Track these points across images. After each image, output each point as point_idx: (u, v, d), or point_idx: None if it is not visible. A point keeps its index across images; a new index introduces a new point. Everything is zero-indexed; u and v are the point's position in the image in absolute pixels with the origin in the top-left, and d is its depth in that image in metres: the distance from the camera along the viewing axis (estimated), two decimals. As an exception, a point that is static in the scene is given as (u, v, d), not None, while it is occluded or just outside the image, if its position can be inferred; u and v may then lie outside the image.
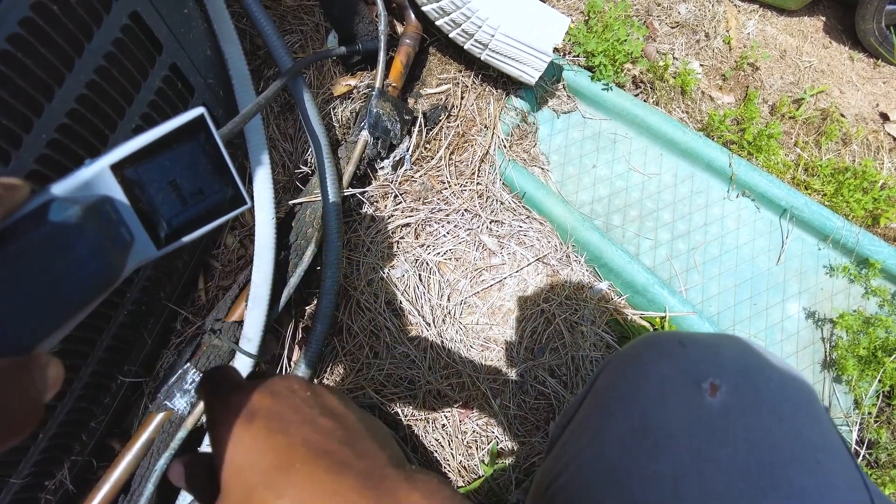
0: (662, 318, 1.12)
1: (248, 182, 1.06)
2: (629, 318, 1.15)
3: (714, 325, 1.12)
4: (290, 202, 1.06)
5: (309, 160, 1.15)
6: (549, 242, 1.16)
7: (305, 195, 1.06)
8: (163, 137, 0.42)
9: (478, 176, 1.17)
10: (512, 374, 1.11)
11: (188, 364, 0.92)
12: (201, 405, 0.93)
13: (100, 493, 0.88)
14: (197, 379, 0.92)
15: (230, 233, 1.14)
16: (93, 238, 0.36)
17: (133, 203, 0.41)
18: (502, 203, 1.17)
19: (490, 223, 1.16)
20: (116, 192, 0.40)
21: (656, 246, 1.21)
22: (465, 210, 1.16)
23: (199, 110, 0.43)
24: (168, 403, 0.90)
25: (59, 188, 0.36)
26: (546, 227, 1.16)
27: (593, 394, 0.60)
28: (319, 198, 1.04)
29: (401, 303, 1.12)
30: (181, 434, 0.91)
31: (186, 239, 0.46)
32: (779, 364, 0.54)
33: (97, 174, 0.38)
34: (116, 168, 0.39)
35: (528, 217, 1.17)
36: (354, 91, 1.18)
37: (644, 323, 1.15)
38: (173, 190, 0.44)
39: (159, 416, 0.91)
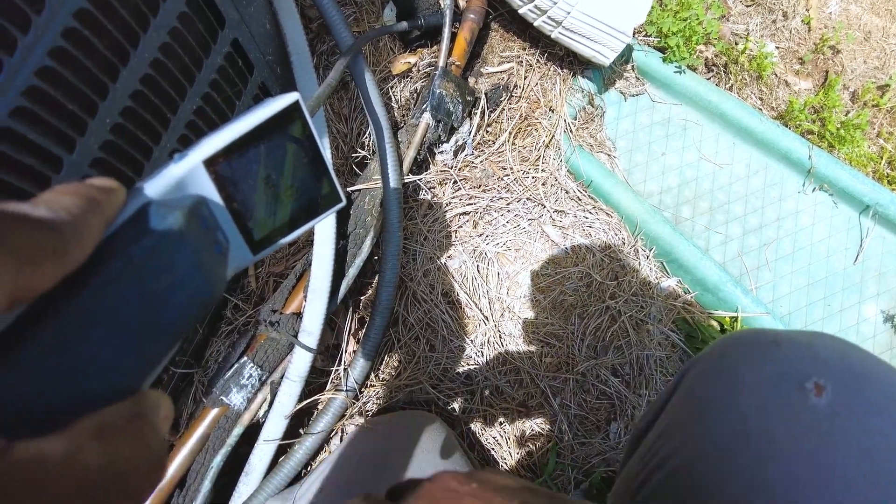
0: (734, 318, 1.07)
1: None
2: (697, 316, 1.09)
3: (786, 326, 1.06)
4: (349, 189, 1.00)
5: (365, 143, 1.09)
6: (616, 235, 1.10)
7: (364, 181, 1.01)
8: (257, 128, 0.36)
9: (542, 162, 1.11)
10: (573, 372, 1.06)
11: (245, 358, 0.88)
12: (258, 400, 0.90)
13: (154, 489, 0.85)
14: (255, 373, 0.88)
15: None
16: (193, 248, 0.31)
17: (227, 203, 0.36)
18: (567, 192, 1.11)
19: (554, 213, 1.10)
20: (210, 192, 0.35)
21: (727, 241, 1.15)
22: (528, 199, 1.10)
23: (294, 96, 0.37)
24: (224, 399, 0.87)
25: (152, 188, 0.31)
26: (613, 219, 1.10)
27: (681, 395, 0.56)
28: (379, 184, 0.99)
29: (458, 295, 1.07)
30: (237, 430, 0.88)
31: (283, 241, 0.40)
32: (880, 362, 0.49)
33: (190, 171, 0.33)
34: (209, 164, 0.34)
35: (594, 208, 1.11)
36: (414, 69, 1.11)
37: (713, 322, 1.09)
38: (267, 187, 0.38)
39: (214, 412, 0.87)
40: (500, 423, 1.05)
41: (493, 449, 1.05)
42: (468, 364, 1.06)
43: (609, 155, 1.17)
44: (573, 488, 1.05)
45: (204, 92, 0.75)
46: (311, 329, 0.88)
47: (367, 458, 0.87)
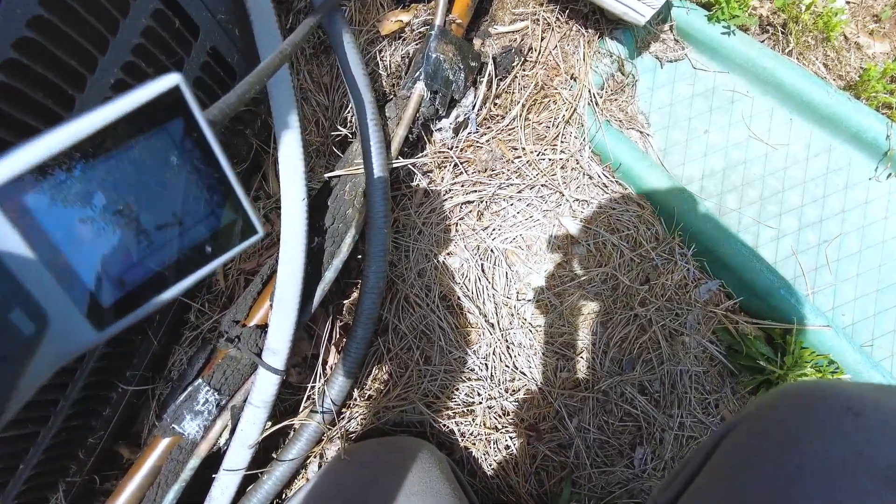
0: (786, 330, 0.89)
1: (273, 145, 0.84)
2: (742, 327, 0.92)
3: (848, 340, 0.89)
4: (326, 175, 0.84)
5: (348, 119, 0.92)
6: (648, 230, 0.92)
7: (344, 166, 0.84)
8: (101, 131, 0.23)
9: (561, 141, 0.93)
10: (593, 390, 0.90)
11: (200, 380, 0.74)
12: (216, 428, 0.76)
13: (97, 530, 0.73)
14: (211, 398, 0.74)
15: (255, 203, 0.94)
16: None
17: (43, 255, 0.23)
18: (590, 177, 0.93)
19: (574, 203, 0.92)
20: (7, 240, 0.22)
21: (779, 236, 0.96)
22: (543, 185, 0.92)
23: (173, 79, 0.25)
24: (176, 427, 0.73)
25: None
26: (646, 210, 0.92)
27: (719, 467, 0.46)
28: (361, 170, 0.82)
29: (458, 298, 0.91)
30: (193, 463, 0.75)
31: (154, 302, 0.28)
32: None
33: None
34: (2, 196, 0.22)
35: (622, 196, 0.93)
36: (407, 29, 0.94)
37: (760, 334, 0.92)
38: (124, 222, 0.25)
39: (165, 442, 0.74)
40: (507, 448, 0.90)
41: (497, 477, 0.90)
42: (469, 379, 0.90)
43: (641, 132, 0.98)
44: (590, 522, 0.90)
45: (124, 61, 0.58)
46: (277, 347, 0.73)
47: (346, 494, 0.73)
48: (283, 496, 0.86)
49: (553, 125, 0.93)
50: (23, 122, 0.49)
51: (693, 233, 0.91)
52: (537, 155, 0.93)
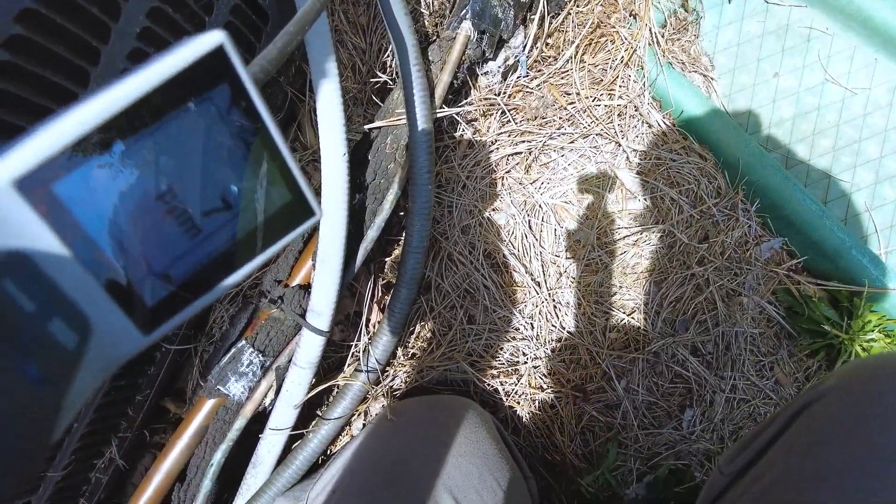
0: (854, 293, 0.84)
1: (309, 93, 0.79)
2: (805, 288, 0.87)
3: (921, 302, 0.83)
4: (366, 127, 0.79)
5: (387, 63, 0.85)
6: (710, 184, 0.86)
7: (385, 116, 0.79)
8: (136, 104, 0.19)
9: (619, 86, 0.86)
10: (643, 351, 0.87)
11: (243, 341, 0.72)
12: (261, 389, 0.75)
13: (152, 484, 0.74)
14: (255, 360, 0.72)
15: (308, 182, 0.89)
16: None
17: (80, 252, 0.20)
18: (650, 126, 0.86)
19: (631, 154, 0.86)
20: (40, 238, 0.19)
21: (852, 190, 0.89)
22: (598, 134, 0.86)
23: (216, 38, 0.21)
24: (221, 388, 0.72)
25: None
26: (708, 163, 0.86)
27: (799, 439, 0.45)
28: (404, 120, 0.77)
29: (504, 256, 0.87)
30: (239, 423, 0.74)
31: (205, 299, 0.24)
32: None
33: None
34: (30, 185, 0.18)
35: (683, 147, 0.86)
36: (452, -40, 0.85)
37: (825, 295, 0.87)
38: (168, 210, 0.22)
39: (211, 403, 0.73)
40: (552, 408, 0.88)
41: (541, 436, 0.89)
42: (514, 339, 0.88)
43: (705, 76, 0.90)
44: (635, 481, 0.89)
45: (149, 7, 0.52)
46: (321, 309, 0.71)
47: (392, 455, 0.72)
48: (328, 452, 0.86)
49: (610, 68, 0.86)
50: (34, 105, 0.45)
51: (757, 187, 0.85)
52: (592, 101, 0.86)
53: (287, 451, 0.79)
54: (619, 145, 0.85)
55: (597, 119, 0.85)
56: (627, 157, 0.86)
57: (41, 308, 0.18)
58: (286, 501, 0.74)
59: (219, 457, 0.73)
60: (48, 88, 0.46)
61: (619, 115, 0.85)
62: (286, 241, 0.26)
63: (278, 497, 0.75)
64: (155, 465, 0.74)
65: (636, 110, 0.86)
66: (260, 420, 0.78)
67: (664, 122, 0.86)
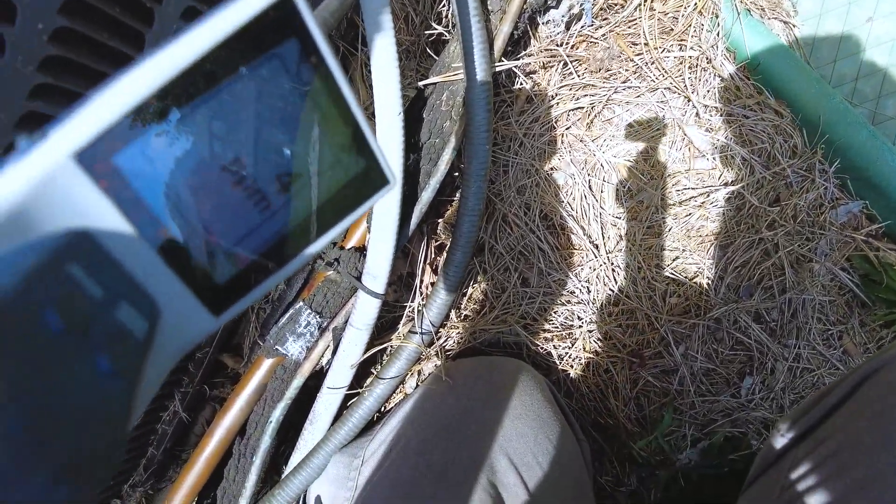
0: (940, 259, 0.78)
1: (361, 47, 0.75)
2: (884, 255, 0.82)
3: None
4: (420, 83, 0.75)
5: (443, 14, 0.81)
6: (786, 142, 0.80)
7: (441, 71, 0.75)
8: (197, 64, 0.17)
9: (691, 35, 0.79)
10: (704, 317, 0.84)
11: (301, 303, 0.72)
12: (318, 349, 0.75)
13: (214, 438, 0.76)
14: (313, 321, 0.73)
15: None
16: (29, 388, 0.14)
17: (144, 230, 0.19)
18: (722, 79, 0.80)
19: (702, 109, 0.80)
20: (98, 217, 0.17)
21: (944, 148, 0.82)
22: (667, 89, 0.80)
23: None
24: (279, 348, 0.73)
25: None
26: (785, 119, 0.80)
27: (868, 405, 0.44)
28: (461, 75, 0.73)
29: (561, 218, 0.84)
30: (297, 382, 0.75)
31: (276, 277, 0.23)
32: None
33: (45, 181, 0.16)
34: (91, 157, 0.17)
35: (758, 103, 0.80)
36: None
37: (906, 262, 0.82)
38: (235, 181, 0.20)
39: (269, 362, 0.74)
40: (607, 372, 0.87)
41: (594, 400, 0.88)
42: (570, 302, 0.86)
43: (786, 23, 0.83)
44: (689, 446, 0.88)
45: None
46: (377, 272, 0.70)
47: (447, 415, 0.72)
48: (383, 410, 0.87)
49: (682, 15, 0.79)
50: (91, 70, 0.43)
51: (839, 146, 0.79)
52: (662, 52, 0.80)
53: (343, 409, 0.80)
54: (689, 100, 0.80)
55: (665, 72, 0.80)
56: (697, 113, 0.80)
57: (109, 294, 0.17)
58: (343, 458, 0.76)
59: (277, 414, 0.75)
60: (104, 53, 0.44)
61: (689, 67, 0.80)
62: (361, 212, 0.24)
63: (335, 453, 0.76)
64: (216, 420, 0.76)
65: (708, 62, 0.80)
66: (317, 377, 0.79)
67: (738, 75, 0.80)
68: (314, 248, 0.23)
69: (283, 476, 0.77)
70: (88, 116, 0.16)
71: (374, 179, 0.24)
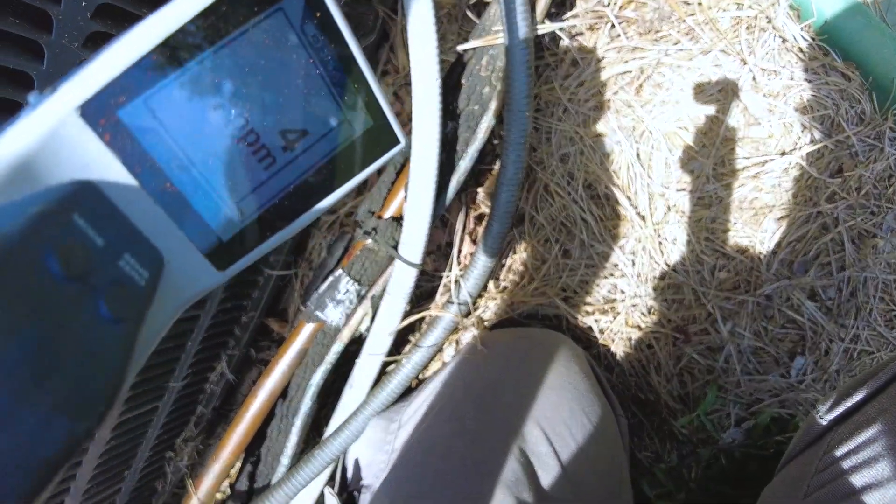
0: None
1: (401, 11, 0.74)
2: (960, 229, 0.76)
3: None
4: (459, 48, 0.73)
5: (487, -27, 0.78)
6: (852, 108, 0.75)
7: (481, 35, 0.73)
8: (199, 17, 0.17)
9: (750, -6, 0.74)
10: (754, 293, 0.81)
11: (340, 270, 0.73)
12: (357, 316, 0.76)
13: (257, 400, 0.79)
14: (352, 288, 0.74)
15: (381, 80, 0.86)
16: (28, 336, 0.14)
17: (148, 183, 0.19)
18: (783, 40, 0.75)
19: (760, 73, 0.76)
20: (103, 169, 0.18)
21: None
22: (722, 51, 0.76)
23: None
24: (319, 314, 0.74)
25: None
26: (852, 83, 0.74)
27: None
28: (502, 39, 0.71)
29: (606, 187, 0.81)
30: (337, 347, 0.77)
31: (282, 233, 0.23)
32: None
33: (52, 133, 0.16)
34: (94, 111, 0.17)
35: (823, 66, 0.74)
36: None
37: (984, 239, 0.76)
38: (239, 137, 0.20)
39: (310, 327, 0.76)
40: (649, 348, 0.85)
41: (635, 375, 0.87)
42: (613, 275, 0.84)
43: (860, -24, 0.76)
44: (732, 425, 0.86)
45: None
46: (414, 242, 0.70)
47: (482, 384, 0.73)
48: (420, 377, 0.88)
49: (742, -29, 0.74)
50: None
51: (914, 111, 0.73)
52: (717, 11, 0.75)
53: (382, 375, 0.82)
54: (745, 63, 0.75)
55: (720, 33, 0.75)
56: (754, 77, 0.75)
57: (112, 243, 0.18)
58: (380, 421, 0.77)
59: (318, 378, 0.77)
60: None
61: (747, 27, 0.75)
62: (368, 173, 0.24)
63: (373, 417, 0.78)
64: (259, 382, 0.79)
65: (768, 22, 0.75)
66: (357, 343, 0.80)
67: (802, 36, 0.74)
68: (321, 206, 0.23)
69: (323, 437, 0.79)
70: (92, 71, 0.16)
71: (383, 139, 0.24)
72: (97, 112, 0.17)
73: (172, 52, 0.17)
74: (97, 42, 0.41)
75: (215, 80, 0.18)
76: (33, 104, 0.16)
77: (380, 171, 0.81)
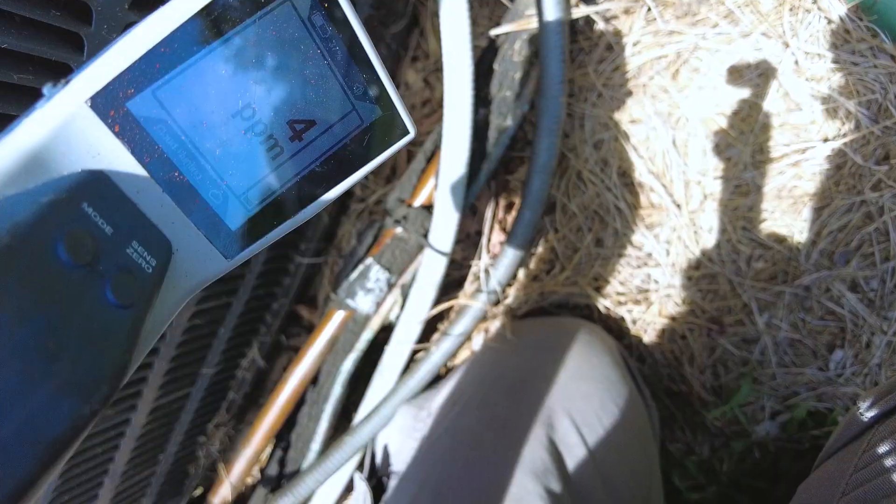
0: None
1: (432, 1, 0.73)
2: None
3: None
4: (492, 32, 0.72)
5: (521, -45, 0.77)
6: (901, 92, 0.72)
7: (514, 19, 0.72)
8: (206, 9, 0.18)
9: (794, -26, 0.72)
10: (792, 284, 0.79)
11: (370, 259, 0.73)
12: (386, 304, 0.76)
13: (288, 386, 0.80)
14: (382, 277, 0.74)
15: (410, 66, 0.85)
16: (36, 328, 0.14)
17: (157, 173, 0.20)
18: (829, 21, 0.72)
19: (802, 57, 0.73)
20: (113, 159, 0.18)
21: None
22: (762, 34, 0.73)
23: None
24: (350, 302, 0.75)
25: None
26: (902, 66, 0.71)
27: None
28: (535, 24, 0.69)
29: (640, 175, 0.80)
30: (367, 335, 0.77)
31: (289, 223, 0.23)
32: None
33: (63, 125, 0.17)
34: (103, 103, 0.17)
35: (871, 48, 0.72)
36: None
37: None
38: (247, 127, 0.21)
39: (340, 315, 0.76)
40: (683, 339, 0.84)
41: (668, 366, 0.85)
42: (647, 265, 0.82)
43: (912, -47, 0.73)
44: (766, 418, 0.84)
45: None
46: (444, 231, 0.70)
47: (512, 372, 0.73)
48: (449, 365, 0.88)
49: (786, -50, 0.71)
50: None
51: (967, 95, 0.69)
52: (759, -7, 0.72)
53: (411, 363, 0.82)
54: (788, 46, 0.73)
55: (761, 15, 0.73)
56: (796, 61, 0.73)
57: (120, 231, 0.18)
58: (409, 409, 0.77)
59: (348, 366, 0.77)
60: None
61: (790, 9, 0.72)
62: (377, 163, 0.24)
63: (402, 404, 0.78)
64: (290, 369, 0.79)
65: (813, 2, 0.72)
66: (387, 331, 0.80)
67: (849, 18, 0.71)
68: (328, 196, 0.23)
69: (352, 423, 0.80)
70: (102, 65, 0.17)
71: (392, 129, 0.24)
72: (107, 104, 0.17)
73: (179, 44, 0.17)
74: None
75: (223, 72, 0.19)
76: (48, 96, 0.17)
77: (409, 159, 0.81)
